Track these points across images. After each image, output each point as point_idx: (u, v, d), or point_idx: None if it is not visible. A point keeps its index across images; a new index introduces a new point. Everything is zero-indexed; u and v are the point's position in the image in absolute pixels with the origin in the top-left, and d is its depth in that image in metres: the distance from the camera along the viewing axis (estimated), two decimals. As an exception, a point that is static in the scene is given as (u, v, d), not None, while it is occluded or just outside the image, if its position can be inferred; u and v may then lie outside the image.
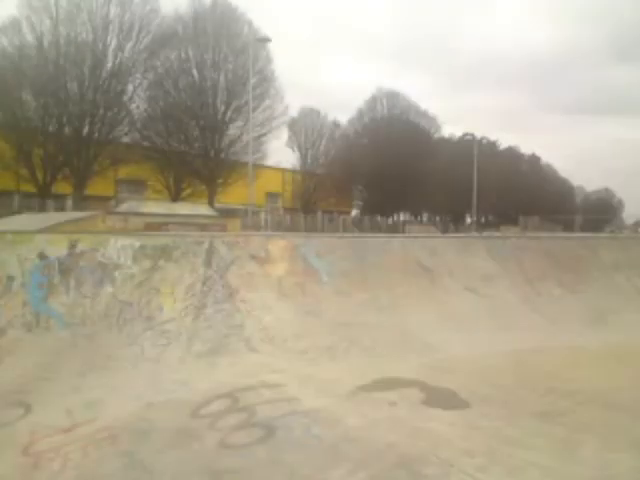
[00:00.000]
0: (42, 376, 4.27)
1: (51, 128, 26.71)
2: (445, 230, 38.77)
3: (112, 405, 3.77)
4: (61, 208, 23.21)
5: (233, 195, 32.87)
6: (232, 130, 32.20)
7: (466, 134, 50.34)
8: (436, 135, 57.45)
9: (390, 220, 48.88)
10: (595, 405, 3.85)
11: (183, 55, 30.17)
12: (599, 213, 66.84)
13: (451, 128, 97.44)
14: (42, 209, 22.80)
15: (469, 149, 45.74)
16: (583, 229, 38.31)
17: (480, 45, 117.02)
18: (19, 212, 20.33)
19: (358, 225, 36.76)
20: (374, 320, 5.60)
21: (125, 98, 28.63)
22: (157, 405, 3.77)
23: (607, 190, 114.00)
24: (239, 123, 32.13)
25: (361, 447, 3.08)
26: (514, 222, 44.59)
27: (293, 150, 47.18)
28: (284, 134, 42.80)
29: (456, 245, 7.47)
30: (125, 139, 29.63)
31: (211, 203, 29.42)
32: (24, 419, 3.58)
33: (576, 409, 3.75)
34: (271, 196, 46.91)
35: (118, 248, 5.44)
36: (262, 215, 31.05)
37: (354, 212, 50.84)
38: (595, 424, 3.48)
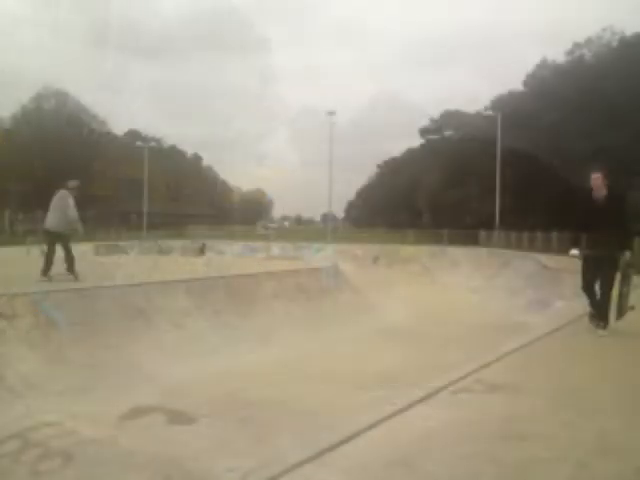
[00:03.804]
0: None
1: None
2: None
3: None
4: None
5: None
6: None
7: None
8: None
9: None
10: (279, 410, 6.18)
11: None
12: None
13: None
14: None
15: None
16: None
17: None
18: None
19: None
20: (106, 358, 7.01)
21: None
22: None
23: (259, 190, 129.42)
24: None
25: (142, 458, 4.66)
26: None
27: None
28: None
29: (160, 290, 9.31)
30: None
31: None
32: None
33: (262, 415, 6.02)
34: None
35: None
36: None
37: None
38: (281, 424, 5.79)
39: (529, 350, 6.16)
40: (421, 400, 4.21)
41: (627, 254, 7.03)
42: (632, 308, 7.10)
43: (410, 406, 4.05)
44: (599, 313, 7.15)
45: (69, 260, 10.25)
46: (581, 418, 3.70)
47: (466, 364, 5.50)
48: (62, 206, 10.16)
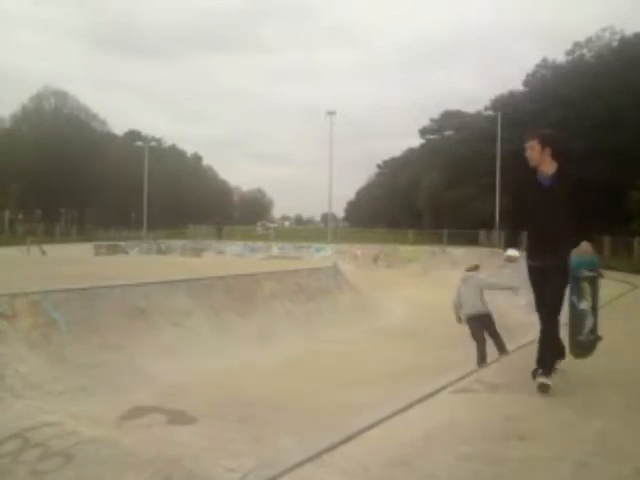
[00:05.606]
0: None
1: None
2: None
3: None
4: None
5: None
6: None
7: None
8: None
9: None
10: (278, 409, 6.19)
11: None
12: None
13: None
14: None
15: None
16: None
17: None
18: None
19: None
20: (109, 359, 7.00)
21: None
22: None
23: (259, 190, 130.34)
24: None
25: (142, 458, 4.66)
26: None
27: None
28: None
29: (164, 289, 9.32)
30: None
31: None
32: None
33: (262, 415, 6.03)
34: None
35: None
36: None
37: None
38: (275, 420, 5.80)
39: (529, 350, 6.14)
40: (421, 400, 4.21)
41: (583, 246, 4.23)
42: (599, 339, 4.46)
43: (410, 406, 4.05)
44: (538, 354, 4.47)
45: (500, 344, 8.05)
46: (581, 418, 3.69)
47: (466, 364, 5.50)
48: (482, 285, 8.88)
